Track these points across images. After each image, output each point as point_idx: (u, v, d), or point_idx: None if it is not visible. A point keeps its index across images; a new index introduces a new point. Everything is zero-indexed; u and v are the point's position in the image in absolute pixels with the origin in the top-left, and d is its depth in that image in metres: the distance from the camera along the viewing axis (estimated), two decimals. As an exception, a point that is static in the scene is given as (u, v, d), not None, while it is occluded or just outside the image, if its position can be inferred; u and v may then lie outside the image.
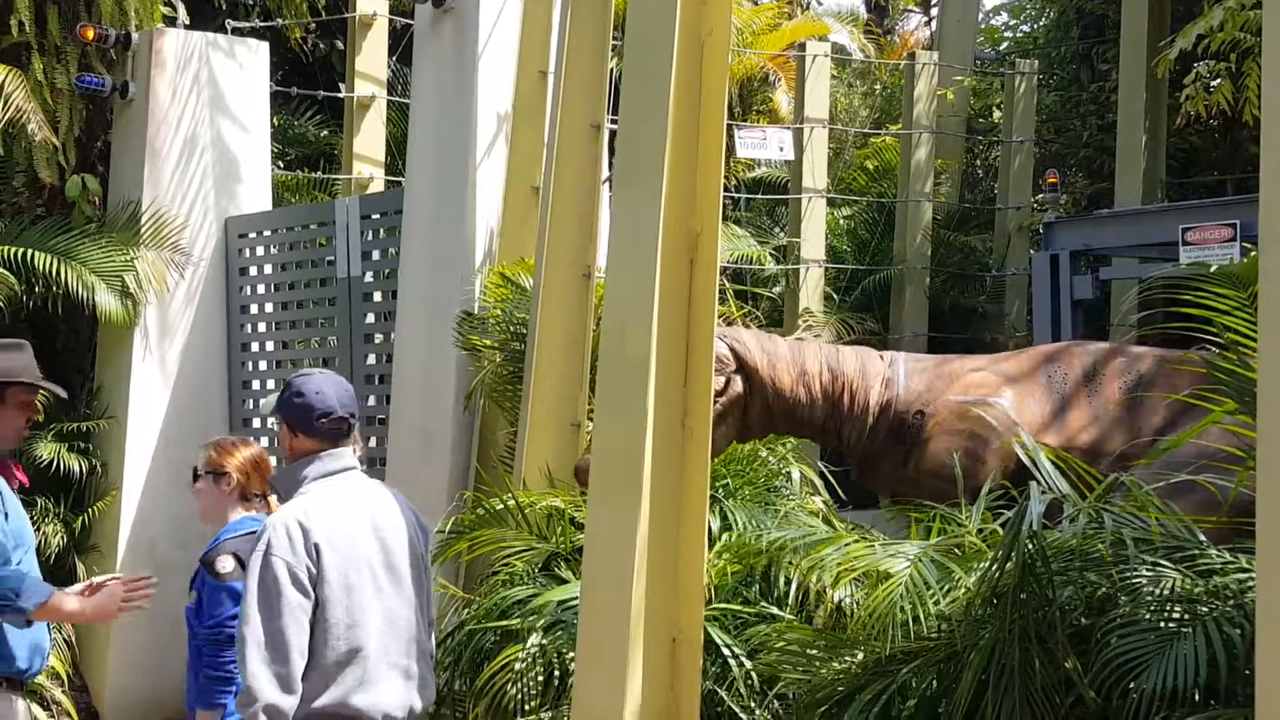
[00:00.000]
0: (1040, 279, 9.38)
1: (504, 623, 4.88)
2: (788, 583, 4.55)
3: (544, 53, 6.91)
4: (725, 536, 4.91)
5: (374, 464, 7.39)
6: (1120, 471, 4.51)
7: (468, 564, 6.42)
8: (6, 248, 7.89)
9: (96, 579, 4.22)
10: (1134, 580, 3.53)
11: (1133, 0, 10.82)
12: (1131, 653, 3.34)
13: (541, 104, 6.85)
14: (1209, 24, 7.23)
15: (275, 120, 10.37)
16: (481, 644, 4.96)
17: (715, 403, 4.63)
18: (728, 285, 6.71)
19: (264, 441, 7.57)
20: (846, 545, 4.09)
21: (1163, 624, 3.39)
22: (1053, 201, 10.47)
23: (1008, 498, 4.06)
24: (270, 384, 8.47)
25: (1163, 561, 3.57)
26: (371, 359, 7.89)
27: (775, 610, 4.49)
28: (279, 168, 10.24)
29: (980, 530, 4.07)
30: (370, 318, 7.92)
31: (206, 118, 8.57)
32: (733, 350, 5.33)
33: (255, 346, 8.63)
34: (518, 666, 4.59)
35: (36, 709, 7.40)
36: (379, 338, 7.86)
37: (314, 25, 11.08)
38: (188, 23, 8.93)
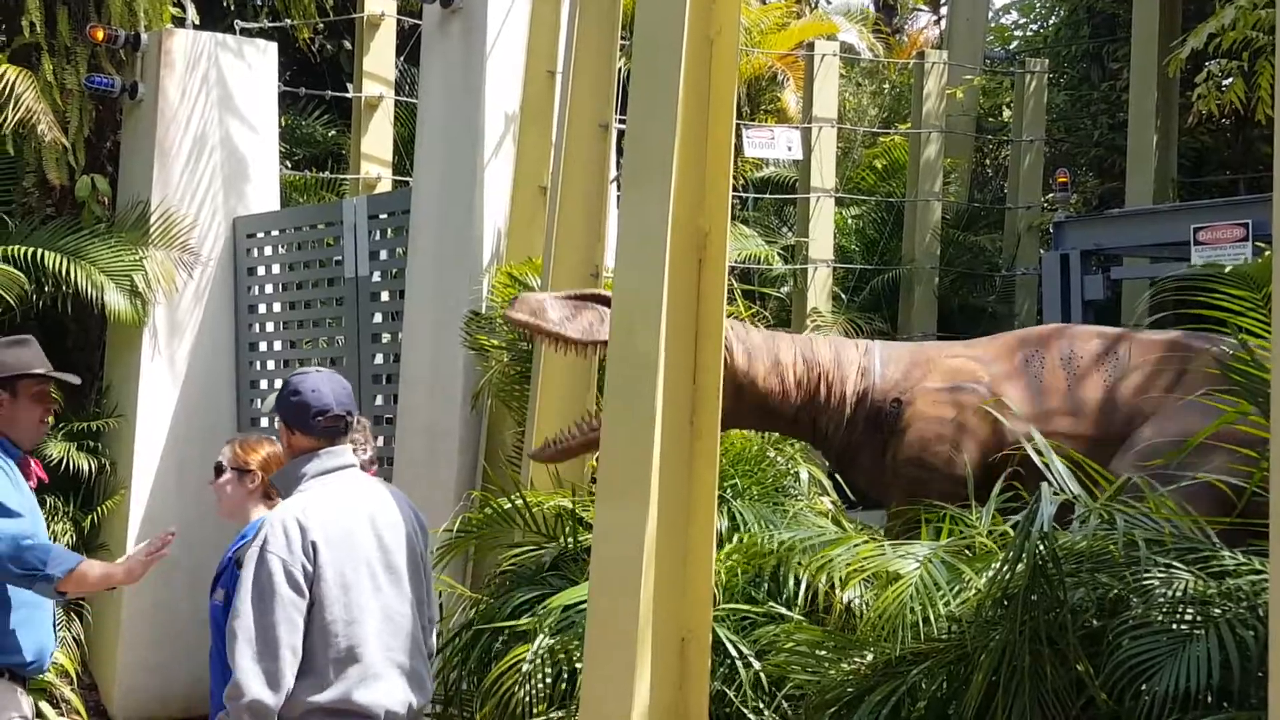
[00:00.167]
0: (1050, 279, 9.35)
1: (511, 622, 4.87)
2: (796, 583, 4.53)
3: (552, 52, 6.90)
4: (734, 537, 4.89)
5: (381, 463, 7.38)
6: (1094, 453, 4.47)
7: (475, 564, 6.41)
8: (17, 247, 7.91)
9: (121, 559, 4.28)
10: (1146, 582, 3.51)
11: (1143, -2, 10.79)
12: (1143, 655, 3.32)
13: (549, 104, 6.84)
14: (1220, 22, 7.20)
15: (283, 120, 10.38)
16: (489, 644, 4.95)
17: None
18: (736, 285, 6.68)
19: (272, 441, 7.57)
20: (856, 546, 4.07)
21: (1175, 626, 3.37)
22: (1063, 201, 10.44)
23: (1015, 493, 4.04)
24: (278, 384, 8.45)
25: (1175, 563, 3.54)
26: (379, 358, 7.88)
27: (784, 611, 4.48)
28: (287, 168, 10.24)
29: (990, 531, 4.04)
30: (378, 317, 7.92)
31: (215, 118, 8.58)
32: None
33: (263, 346, 8.63)
34: (525, 667, 4.58)
35: (46, 707, 7.42)
36: (386, 337, 7.86)
37: (322, 25, 11.08)
38: (197, 23, 8.94)
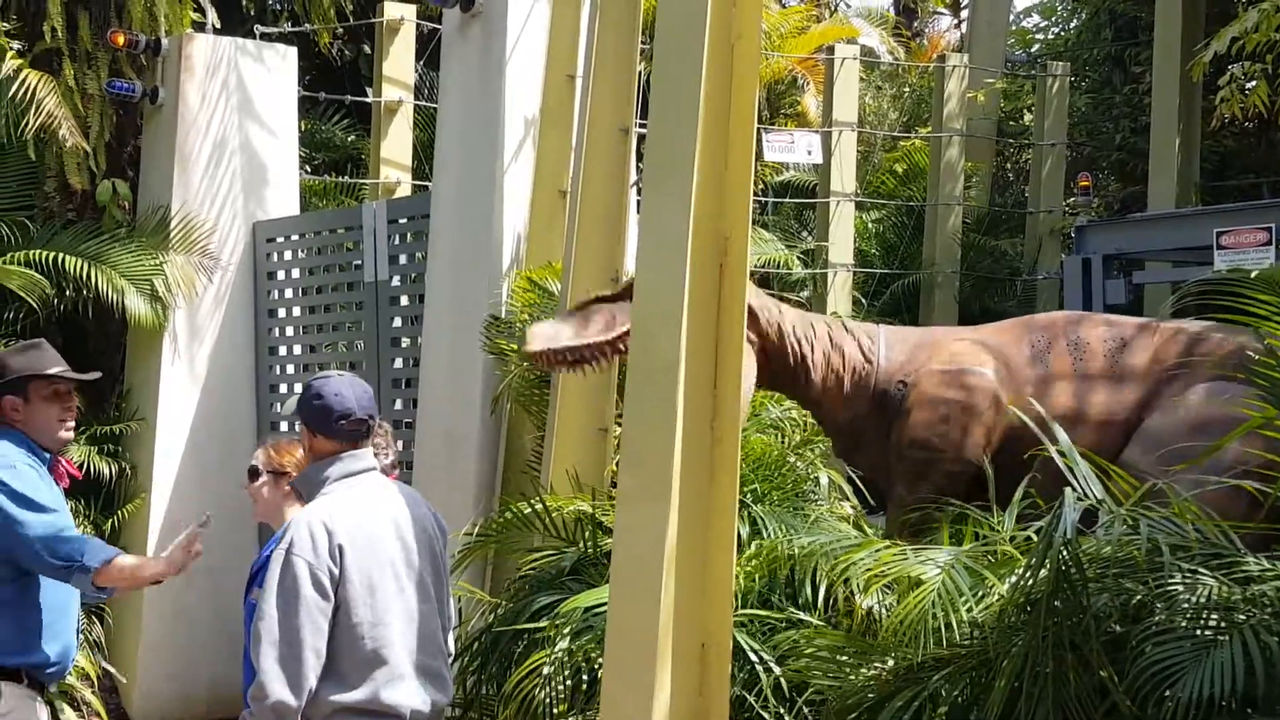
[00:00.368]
0: (1072, 283, 9.30)
1: (531, 626, 4.86)
2: (816, 588, 4.51)
3: (572, 56, 6.90)
4: (754, 542, 4.88)
5: (401, 467, 7.39)
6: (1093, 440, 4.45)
7: (495, 568, 6.41)
8: (38, 252, 7.95)
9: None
10: (1170, 587, 3.48)
11: (1166, 2, 10.74)
12: (1167, 661, 3.30)
13: (569, 108, 6.84)
14: (1244, 25, 7.17)
15: (303, 125, 10.42)
16: (509, 648, 4.95)
17: None
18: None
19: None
20: (877, 551, 4.05)
21: (1199, 632, 3.34)
22: (1085, 205, 10.41)
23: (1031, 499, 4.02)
24: (298, 387, 8.48)
25: (1200, 569, 3.52)
26: (398, 363, 7.89)
27: (804, 616, 4.46)
28: (306, 172, 10.28)
29: (1013, 537, 4.02)
30: (397, 322, 7.93)
31: (235, 122, 8.61)
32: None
33: (283, 350, 8.65)
34: (546, 671, 4.57)
35: (67, 709, 7.45)
36: (406, 342, 7.87)
37: (342, 30, 11.12)
38: (217, 28, 8.98)
